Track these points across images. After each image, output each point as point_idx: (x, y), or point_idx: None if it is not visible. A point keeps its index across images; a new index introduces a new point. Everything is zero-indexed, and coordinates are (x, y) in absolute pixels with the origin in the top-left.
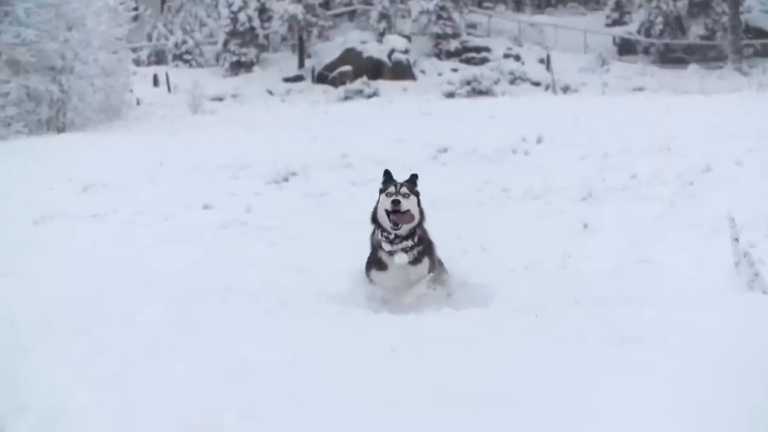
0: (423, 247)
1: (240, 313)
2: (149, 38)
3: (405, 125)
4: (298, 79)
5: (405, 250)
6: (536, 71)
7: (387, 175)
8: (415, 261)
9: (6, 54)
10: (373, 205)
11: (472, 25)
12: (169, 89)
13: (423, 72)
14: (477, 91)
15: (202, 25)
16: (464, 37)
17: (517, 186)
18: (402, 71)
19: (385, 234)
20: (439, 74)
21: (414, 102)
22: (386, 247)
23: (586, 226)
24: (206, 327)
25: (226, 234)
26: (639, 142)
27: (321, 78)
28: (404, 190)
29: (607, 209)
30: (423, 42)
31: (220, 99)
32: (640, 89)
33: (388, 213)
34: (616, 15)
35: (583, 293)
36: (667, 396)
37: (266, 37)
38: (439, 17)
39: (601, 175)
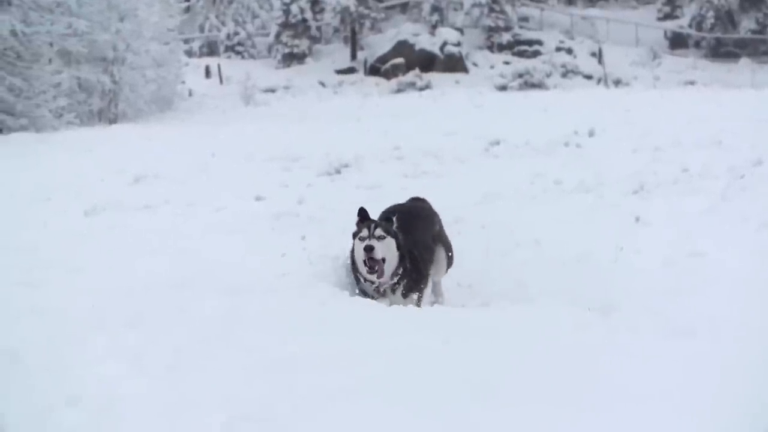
0: (408, 282)
1: (292, 305)
2: (201, 29)
3: (457, 118)
4: (350, 71)
5: (392, 288)
6: (588, 64)
7: (361, 214)
8: (404, 296)
9: (58, 45)
10: (349, 248)
11: (524, 18)
12: (221, 80)
13: (475, 65)
14: (529, 84)
15: (255, 16)
16: (516, 30)
17: (569, 179)
18: (454, 64)
19: (368, 282)
20: (491, 67)
21: (466, 95)
22: (373, 294)
23: (637, 219)
24: (258, 319)
25: (277, 225)
26: (690, 136)
27: (373, 70)
28: (379, 232)
29: (658, 203)
30: (475, 35)
31: (272, 90)
32: (691, 83)
33: (364, 260)
34: (667, 9)
35: (635, 286)
36: (720, 388)
37: (318, 28)
38: (492, 10)
39: (653, 168)
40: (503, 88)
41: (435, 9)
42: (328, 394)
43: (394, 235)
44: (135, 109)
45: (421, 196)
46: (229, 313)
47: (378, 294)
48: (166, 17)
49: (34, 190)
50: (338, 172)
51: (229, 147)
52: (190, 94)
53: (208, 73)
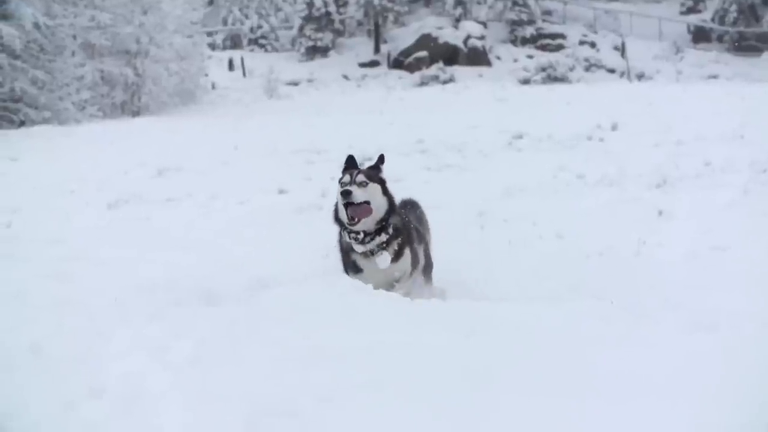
0: (402, 239)
1: (315, 298)
2: (224, 22)
3: (480, 111)
4: (373, 64)
5: (382, 247)
6: (611, 58)
7: (348, 162)
8: (396, 256)
9: (81, 38)
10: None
11: (547, 12)
12: (244, 73)
13: (498, 58)
14: (552, 77)
15: (278, 9)
16: (540, 23)
17: (592, 172)
18: (477, 57)
19: (352, 234)
20: (515, 60)
21: (489, 88)
22: (358, 248)
23: (660, 213)
24: (281, 311)
25: (301, 218)
26: (713, 130)
27: (397, 63)
28: (360, 178)
29: (680, 196)
30: (498, 28)
31: (296, 84)
32: (714, 77)
33: (344, 206)
34: (690, 2)
35: (657, 280)
36: (742, 382)
37: (342, 22)
38: (515, 3)
39: (675, 162)
40: (526, 81)
41: (458, 2)
42: (352, 388)
43: (380, 182)
44: (158, 102)
45: (415, 199)
46: (252, 306)
47: (366, 258)
48: (189, 10)
49: (57, 183)
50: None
51: (252, 140)
52: (213, 87)
53: (231, 66)
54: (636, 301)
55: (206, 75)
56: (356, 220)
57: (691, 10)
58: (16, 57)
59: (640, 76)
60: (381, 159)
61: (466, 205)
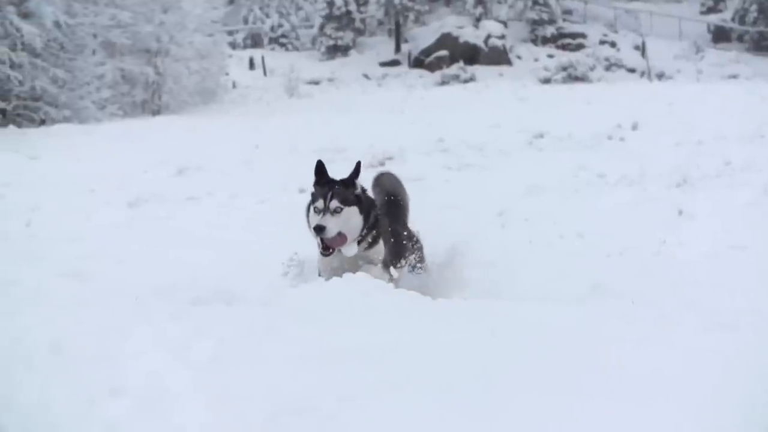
0: (377, 231)
1: (337, 296)
2: (245, 21)
3: (501, 110)
4: (394, 63)
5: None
6: (631, 58)
7: (319, 172)
8: (368, 246)
9: (101, 36)
10: (305, 205)
11: (567, 11)
12: (264, 72)
13: (519, 57)
14: (573, 77)
15: (299, 8)
16: (560, 23)
17: (613, 172)
18: (498, 56)
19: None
20: (535, 60)
21: (510, 87)
22: (324, 269)
23: (680, 212)
24: (302, 310)
25: None
26: (733, 130)
27: (417, 62)
28: (334, 204)
29: (701, 196)
30: (519, 27)
31: (316, 83)
32: (734, 77)
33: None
34: (710, 2)
35: (677, 279)
36: (763, 382)
37: (362, 21)
38: (536, 3)
39: (696, 161)
40: (547, 81)
41: (479, 1)
42: (374, 386)
43: (356, 201)
44: (178, 100)
45: (391, 172)
46: (273, 305)
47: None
48: (210, 9)
49: (77, 182)
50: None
51: (272, 139)
52: (234, 86)
53: (251, 65)
54: (656, 300)
55: (227, 74)
56: (331, 251)
57: (711, 10)
58: (37, 55)
59: (661, 76)
60: (357, 168)
61: (487, 204)
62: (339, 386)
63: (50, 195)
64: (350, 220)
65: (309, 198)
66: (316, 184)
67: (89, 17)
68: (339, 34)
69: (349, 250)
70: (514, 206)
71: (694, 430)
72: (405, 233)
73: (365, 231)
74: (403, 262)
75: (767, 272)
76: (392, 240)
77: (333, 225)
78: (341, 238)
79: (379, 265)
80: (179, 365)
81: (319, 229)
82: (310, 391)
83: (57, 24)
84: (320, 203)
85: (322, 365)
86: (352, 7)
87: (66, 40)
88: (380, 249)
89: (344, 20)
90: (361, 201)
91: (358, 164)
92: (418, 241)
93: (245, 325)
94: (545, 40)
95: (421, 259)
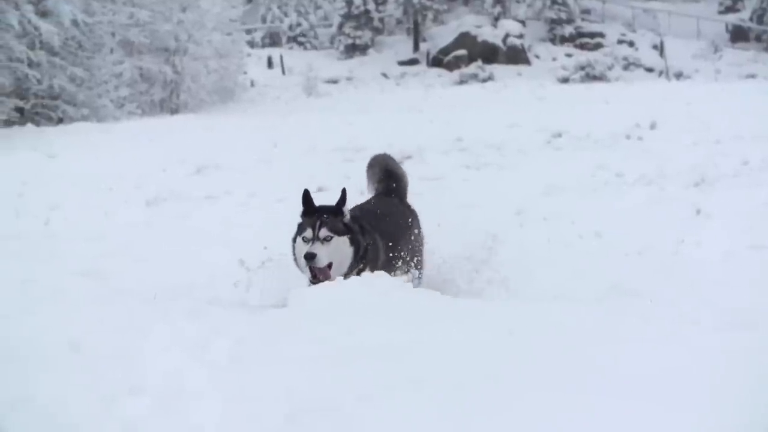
0: (366, 262)
1: (355, 295)
2: (263, 20)
3: (519, 110)
4: (412, 62)
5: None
6: (649, 57)
7: (306, 202)
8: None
9: (119, 35)
10: (292, 235)
11: (586, 11)
12: (283, 71)
13: (537, 57)
14: (591, 76)
15: (317, 7)
16: (578, 22)
17: (631, 171)
18: (516, 56)
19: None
20: (554, 59)
21: (528, 87)
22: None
23: (698, 212)
24: (320, 309)
25: None
26: (750, 129)
27: (436, 61)
28: (324, 233)
29: (719, 195)
30: (537, 27)
31: (335, 81)
32: (752, 76)
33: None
34: (728, 2)
35: (696, 279)
36: None
37: (381, 20)
38: (554, 2)
39: (714, 161)
40: (565, 80)
41: (497, 1)
42: (393, 385)
43: (346, 230)
44: (196, 99)
45: (387, 154)
46: (292, 303)
47: None
48: (228, 8)
49: (95, 180)
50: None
51: (291, 138)
52: (252, 85)
53: (270, 63)
54: (675, 299)
55: (245, 73)
56: (320, 279)
57: (729, 10)
58: (55, 54)
59: (679, 75)
60: (342, 197)
61: (505, 203)
62: (357, 385)
63: (68, 193)
64: (340, 249)
65: (295, 230)
66: (304, 214)
67: (107, 16)
68: (358, 33)
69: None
70: (533, 205)
71: (713, 428)
72: (404, 211)
73: (354, 263)
74: (397, 272)
75: None
76: (389, 245)
77: (323, 253)
78: (328, 271)
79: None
80: (197, 364)
81: (309, 257)
82: (328, 391)
83: (75, 22)
84: (309, 233)
85: (340, 364)
86: (371, 6)
87: (84, 38)
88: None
89: (363, 19)
90: (351, 230)
91: (344, 192)
92: (417, 236)
93: (263, 325)
94: (563, 40)
95: (420, 264)
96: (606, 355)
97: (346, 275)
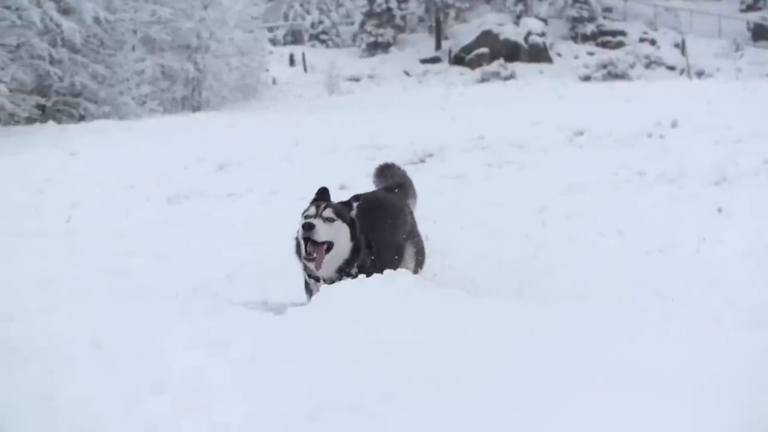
0: (360, 267)
1: (376, 293)
2: (285, 17)
3: (541, 108)
4: (434, 60)
5: None
6: (671, 55)
7: (320, 194)
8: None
9: (141, 32)
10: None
11: (608, 9)
12: (305, 69)
13: (559, 55)
14: (613, 74)
15: (339, 5)
16: (600, 20)
17: (652, 170)
18: (538, 54)
19: (313, 277)
20: (575, 57)
21: (550, 85)
22: (313, 287)
23: (719, 210)
24: (343, 306)
25: None
26: None
27: (458, 60)
28: (328, 213)
29: (740, 194)
30: (559, 25)
31: (357, 79)
32: None
33: (305, 240)
34: (750, 0)
35: (717, 277)
36: None
37: (403, 18)
38: (576, 0)
39: (735, 159)
40: (587, 78)
41: None
42: (416, 383)
43: (350, 223)
44: (218, 97)
45: (396, 164)
46: (314, 301)
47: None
48: (250, 5)
49: (116, 178)
50: (422, 161)
51: (313, 136)
52: (274, 83)
53: (292, 61)
54: (696, 298)
55: (267, 70)
56: (313, 256)
57: (750, 8)
58: (76, 51)
59: (700, 74)
60: (355, 198)
61: (527, 201)
62: (379, 384)
63: (90, 191)
64: (339, 236)
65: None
66: (314, 200)
67: (129, 13)
68: (379, 31)
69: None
70: (554, 204)
71: (736, 426)
72: (400, 212)
73: (348, 262)
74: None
75: None
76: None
77: (323, 230)
78: (325, 250)
79: None
80: (219, 362)
81: (308, 227)
82: (350, 389)
83: (97, 20)
84: (312, 210)
85: (362, 362)
86: (393, 4)
87: (106, 35)
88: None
89: (385, 17)
90: (356, 227)
91: (356, 195)
92: (416, 236)
93: (284, 323)
94: (585, 38)
95: (420, 264)
96: (628, 354)
97: (338, 272)
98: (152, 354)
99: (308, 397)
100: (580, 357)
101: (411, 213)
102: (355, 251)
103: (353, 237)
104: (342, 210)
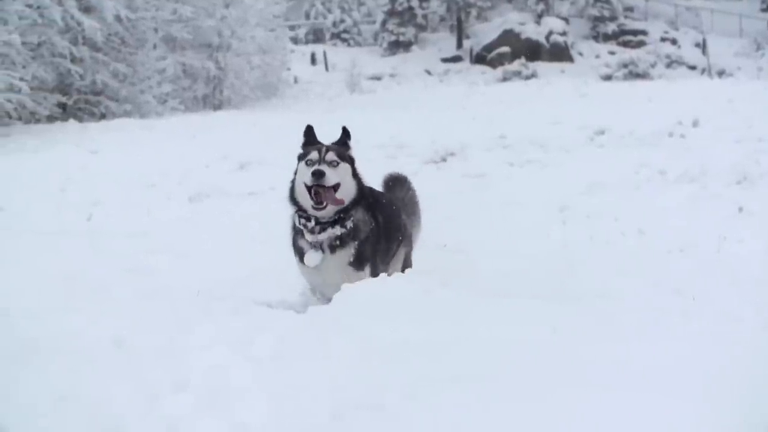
0: (359, 243)
1: (398, 292)
2: (307, 16)
3: (562, 107)
4: (456, 59)
5: (332, 245)
6: (692, 55)
7: (308, 134)
8: (355, 263)
9: (162, 31)
10: (291, 177)
11: (629, 8)
12: (326, 68)
13: (580, 54)
14: (634, 74)
15: (361, 3)
16: (621, 20)
17: (673, 169)
18: (559, 53)
19: (303, 218)
20: (597, 57)
21: (571, 84)
22: (308, 237)
23: (740, 209)
24: (364, 305)
25: None
26: None
27: (479, 59)
28: (331, 156)
29: (761, 193)
30: (581, 24)
31: (378, 78)
32: None
33: (309, 188)
34: None
35: (738, 276)
36: None
37: (425, 17)
38: (597, 0)
39: (756, 158)
40: (608, 77)
41: None
42: (439, 382)
43: (350, 161)
44: (240, 95)
45: (403, 174)
46: (336, 300)
47: (312, 248)
48: (272, 4)
49: (138, 176)
50: (444, 160)
51: (334, 134)
52: (296, 81)
53: (313, 60)
54: (717, 297)
55: (288, 69)
56: (324, 204)
57: None
58: (98, 50)
59: (721, 73)
60: (346, 134)
61: (548, 200)
62: (402, 383)
63: (111, 189)
64: (345, 178)
65: (296, 168)
66: (307, 144)
67: (150, 11)
68: (401, 30)
69: (312, 258)
70: (575, 203)
71: (758, 425)
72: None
73: (354, 202)
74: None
75: None
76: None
77: (331, 174)
78: (337, 198)
79: (366, 270)
80: (241, 361)
81: (318, 174)
82: (373, 388)
83: (118, 18)
84: (315, 155)
85: (384, 361)
86: (415, 2)
87: (127, 34)
88: (363, 270)
89: (406, 16)
90: (355, 163)
91: (346, 130)
92: (409, 247)
93: (306, 321)
94: (606, 37)
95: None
96: (648, 354)
97: (338, 219)
98: (174, 353)
99: (330, 396)
100: (601, 356)
101: (407, 226)
102: (357, 192)
103: (354, 175)
104: (341, 150)
